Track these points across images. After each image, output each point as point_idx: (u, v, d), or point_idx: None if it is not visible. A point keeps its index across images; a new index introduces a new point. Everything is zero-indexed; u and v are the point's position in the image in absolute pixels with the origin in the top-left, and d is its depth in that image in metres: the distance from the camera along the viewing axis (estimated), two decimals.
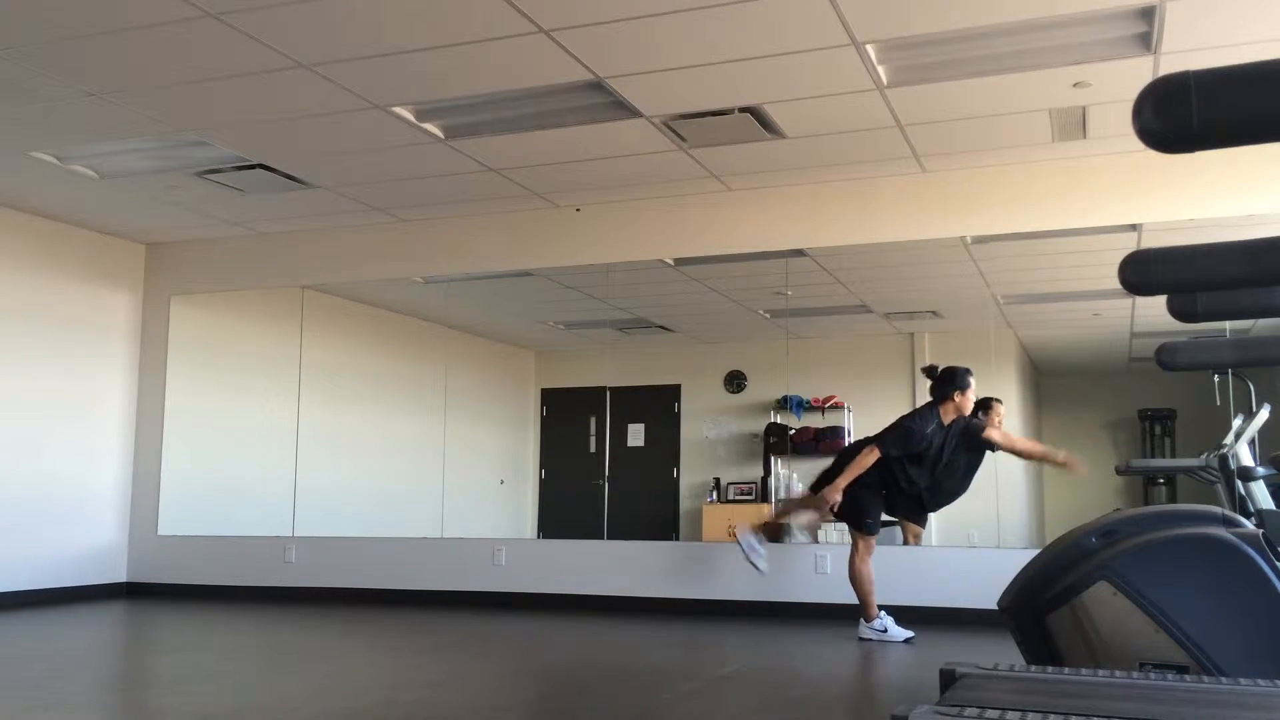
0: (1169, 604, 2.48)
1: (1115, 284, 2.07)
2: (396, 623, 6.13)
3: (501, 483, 9.31)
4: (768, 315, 7.66)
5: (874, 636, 5.29)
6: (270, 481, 7.84)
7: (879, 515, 5.48)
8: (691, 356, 9.26)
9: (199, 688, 4.03)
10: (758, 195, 6.68)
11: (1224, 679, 2.18)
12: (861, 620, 5.36)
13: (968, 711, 1.75)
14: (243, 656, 4.92)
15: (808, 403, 7.91)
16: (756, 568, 5.90)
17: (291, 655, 4.97)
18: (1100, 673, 2.21)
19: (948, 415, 5.41)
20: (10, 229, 7.19)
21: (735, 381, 8.87)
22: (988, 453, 5.63)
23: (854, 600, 5.41)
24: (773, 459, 8.26)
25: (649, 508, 8.72)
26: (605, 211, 7.03)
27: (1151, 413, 7.31)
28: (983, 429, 5.49)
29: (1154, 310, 4.58)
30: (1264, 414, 5.17)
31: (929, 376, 5.55)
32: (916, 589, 6.07)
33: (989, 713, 1.74)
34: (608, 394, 8.11)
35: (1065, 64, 4.79)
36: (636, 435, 8.79)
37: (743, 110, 5.38)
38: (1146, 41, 4.56)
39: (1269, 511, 4.68)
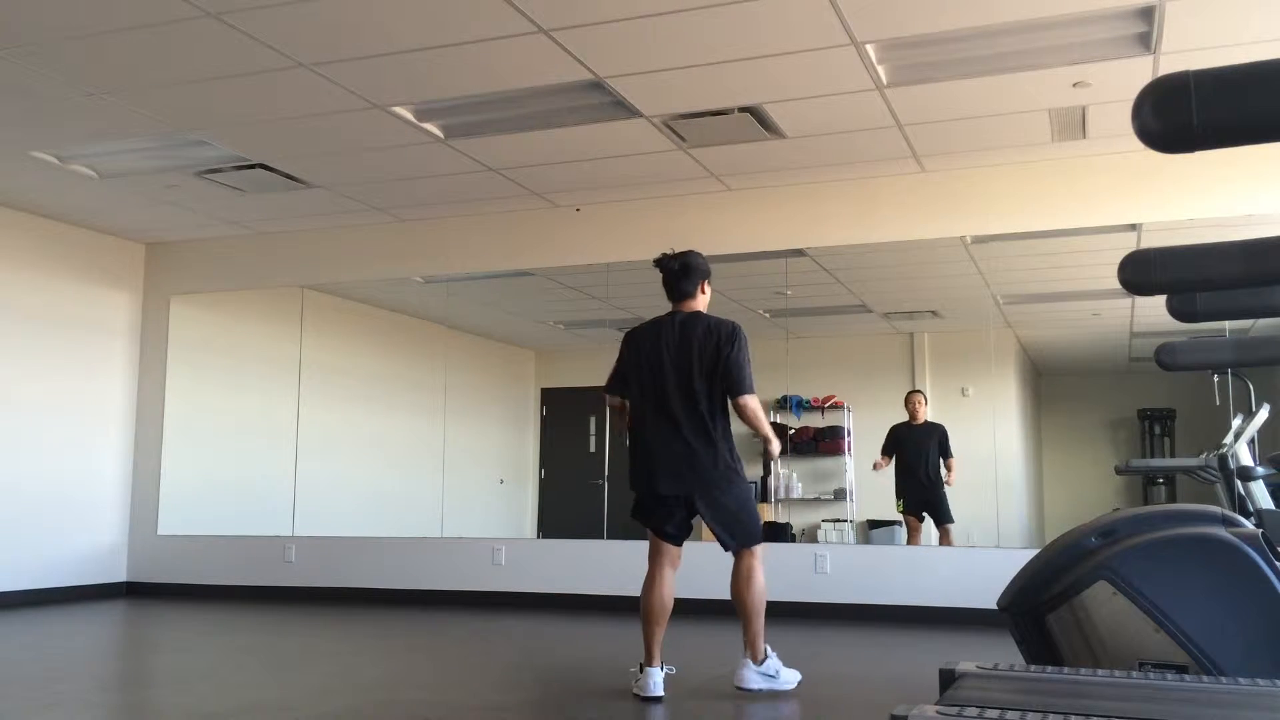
0: (1168, 604, 2.48)
1: (1115, 284, 2.07)
2: (396, 623, 6.13)
3: (501, 482, 9.30)
4: (768, 315, 7.65)
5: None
6: (270, 481, 7.84)
7: None
8: None
9: (199, 687, 4.03)
10: (758, 195, 6.68)
11: (1223, 679, 2.18)
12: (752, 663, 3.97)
13: (967, 711, 1.75)
14: (243, 656, 4.92)
15: (807, 402, 7.90)
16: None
17: (292, 655, 4.97)
18: (1100, 673, 2.21)
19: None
20: (10, 229, 7.19)
21: None
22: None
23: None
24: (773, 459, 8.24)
25: None
26: (605, 211, 7.03)
27: (1151, 412, 7.30)
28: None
29: (1154, 310, 4.58)
30: (1263, 414, 5.17)
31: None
32: (916, 589, 6.07)
33: (989, 712, 1.74)
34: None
35: (1065, 64, 4.79)
36: None
37: (743, 110, 5.38)
38: (1146, 41, 4.56)
39: (1268, 511, 4.68)
